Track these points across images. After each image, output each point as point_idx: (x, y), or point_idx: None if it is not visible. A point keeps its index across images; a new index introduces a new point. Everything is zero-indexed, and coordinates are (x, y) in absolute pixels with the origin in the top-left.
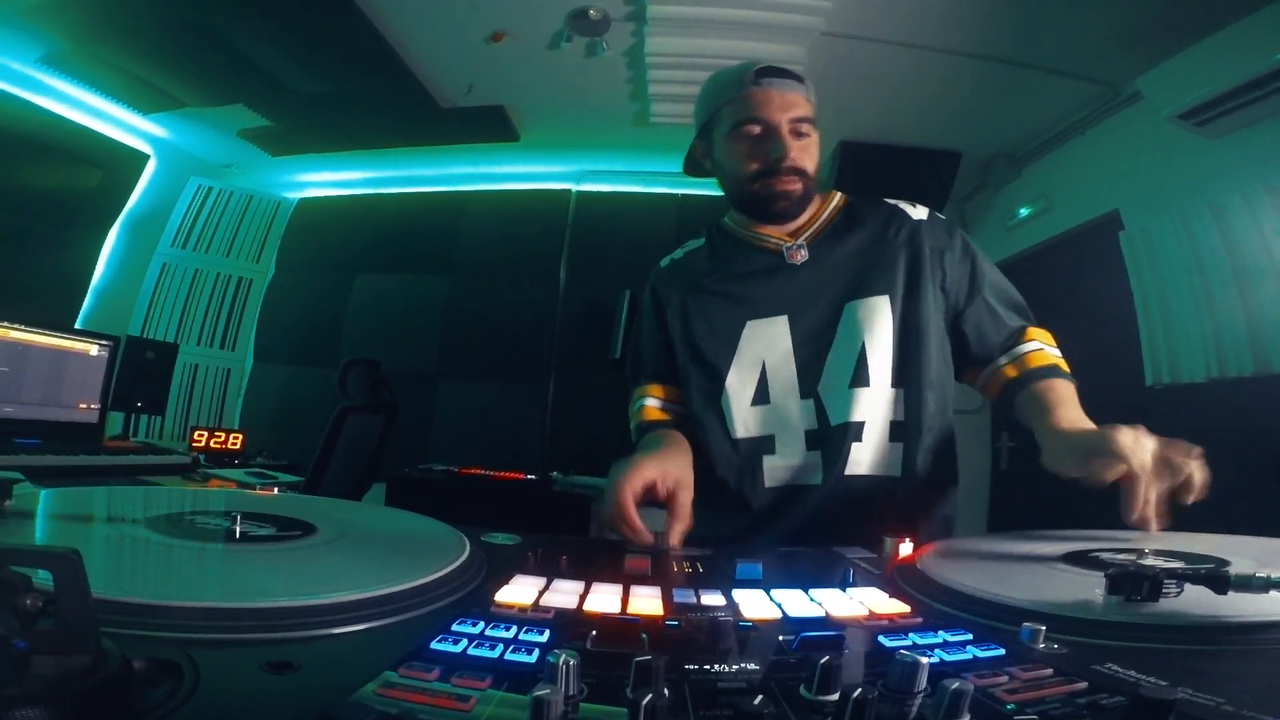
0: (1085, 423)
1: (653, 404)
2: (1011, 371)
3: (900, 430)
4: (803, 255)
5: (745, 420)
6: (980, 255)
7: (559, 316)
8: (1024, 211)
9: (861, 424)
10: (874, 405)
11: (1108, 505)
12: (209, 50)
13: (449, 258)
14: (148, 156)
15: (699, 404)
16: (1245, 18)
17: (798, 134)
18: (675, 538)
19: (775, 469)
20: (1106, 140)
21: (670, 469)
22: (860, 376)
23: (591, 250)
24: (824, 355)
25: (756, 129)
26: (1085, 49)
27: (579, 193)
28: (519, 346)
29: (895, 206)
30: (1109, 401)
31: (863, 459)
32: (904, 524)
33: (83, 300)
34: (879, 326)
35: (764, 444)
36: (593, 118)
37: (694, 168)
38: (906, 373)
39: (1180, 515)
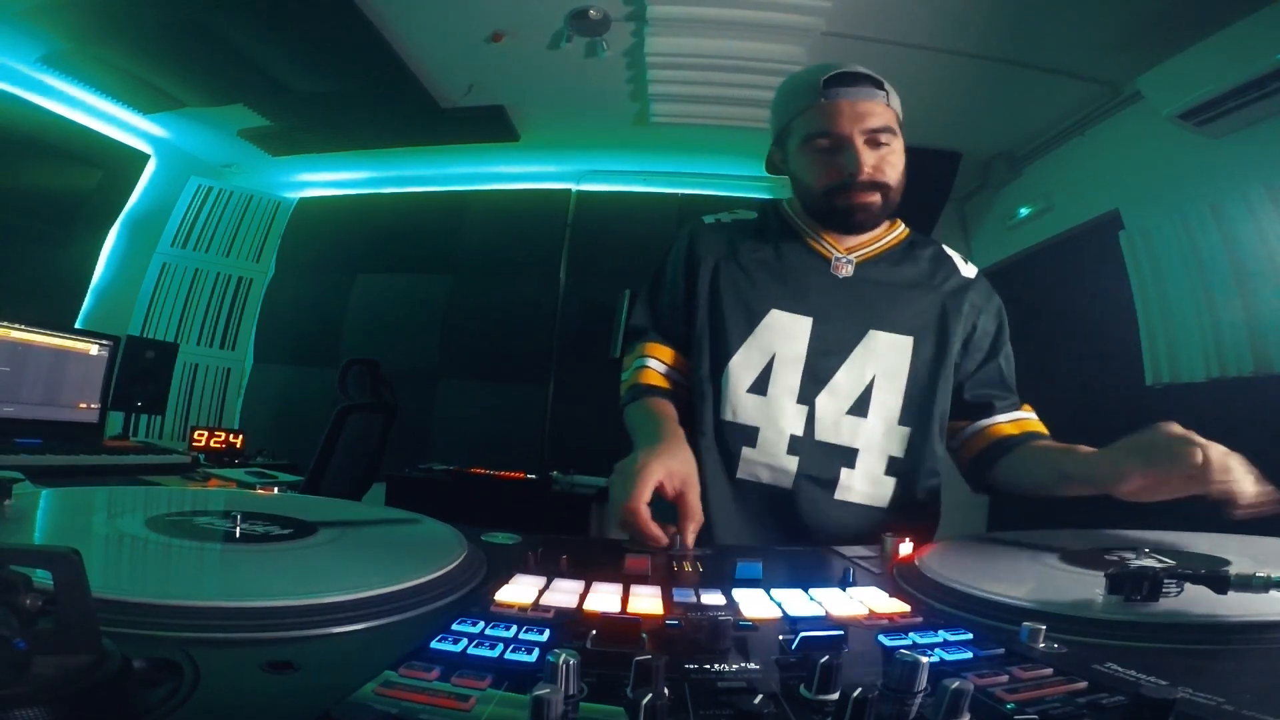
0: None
1: (654, 366)
2: (1009, 429)
3: (898, 466)
4: (847, 270)
5: (737, 405)
6: (1006, 326)
7: (559, 316)
8: (1024, 211)
9: (855, 451)
10: (872, 438)
11: (1108, 505)
12: (209, 50)
13: (449, 258)
14: (148, 156)
15: (701, 373)
16: (1245, 18)
17: (875, 144)
18: (690, 537)
19: (751, 463)
20: (1106, 140)
21: (675, 467)
22: (862, 405)
23: (591, 250)
24: (834, 371)
25: (827, 142)
26: (1085, 49)
27: (579, 193)
28: (519, 346)
29: (950, 257)
30: (1109, 401)
31: (855, 486)
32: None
33: (83, 300)
34: (895, 363)
35: (748, 435)
36: (593, 118)
37: (773, 169)
38: (917, 415)
39: (1181, 515)
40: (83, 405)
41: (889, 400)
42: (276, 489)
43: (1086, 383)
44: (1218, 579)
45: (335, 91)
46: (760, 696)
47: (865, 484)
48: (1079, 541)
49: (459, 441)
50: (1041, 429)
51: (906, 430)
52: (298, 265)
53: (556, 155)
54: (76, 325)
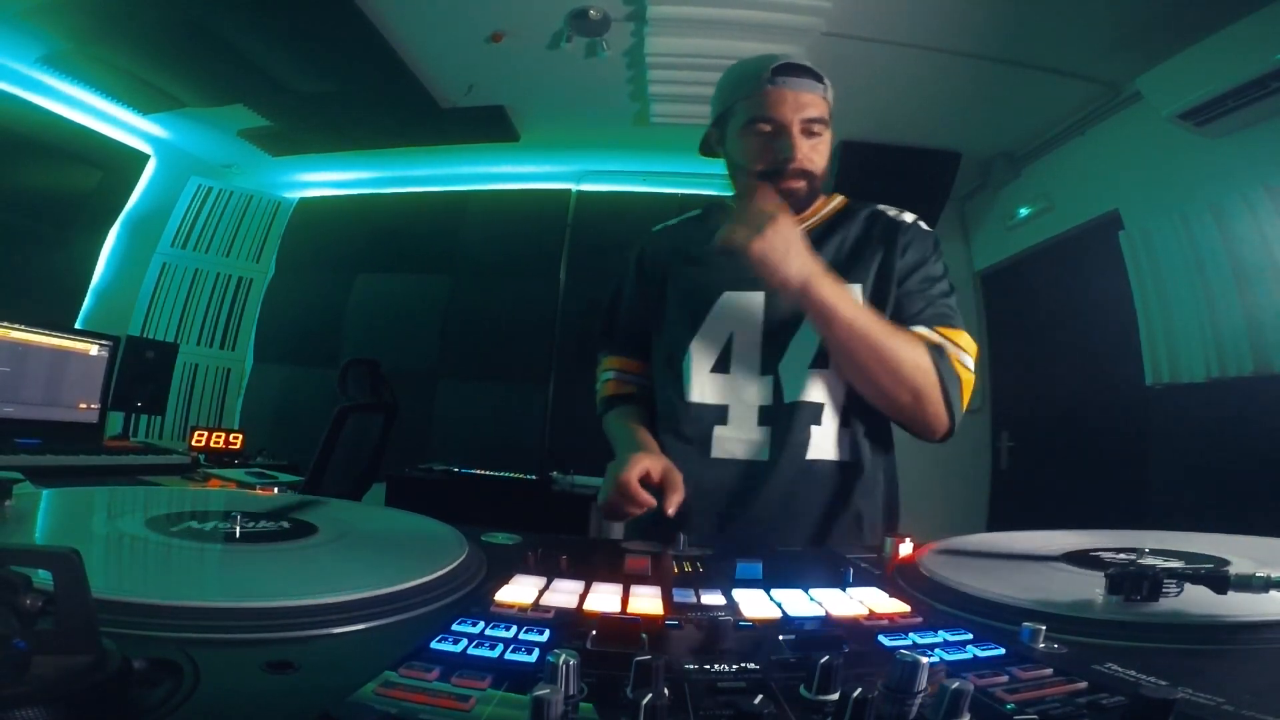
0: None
1: (615, 376)
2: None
3: (856, 413)
4: None
5: (702, 387)
6: (941, 258)
7: (559, 316)
8: (1024, 211)
9: (820, 406)
10: (834, 388)
11: (1107, 505)
12: (209, 50)
13: (449, 257)
14: (148, 156)
15: (661, 363)
16: (1245, 18)
17: (809, 134)
18: (672, 507)
19: (724, 440)
20: (1106, 140)
21: (654, 460)
22: (821, 358)
23: (592, 250)
24: (791, 337)
25: (768, 127)
26: (1085, 49)
27: (579, 193)
28: (519, 346)
29: (884, 210)
30: (1109, 401)
31: (824, 443)
32: (852, 506)
33: (83, 300)
34: None
35: (717, 413)
36: (593, 118)
37: (707, 150)
38: None
39: (1181, 515)
40: (83, 405)
41: None
42: (276, 489)
43: (1086, 383)
44: (1218, 579)
45: (335, 91)
46: (760, 696)
47: (830, 439)
48: (1079, 541)
49: (459, 441)
50: (929, 337)
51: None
52: (298, 265)
53: (556, 155)
54: (76, 325)
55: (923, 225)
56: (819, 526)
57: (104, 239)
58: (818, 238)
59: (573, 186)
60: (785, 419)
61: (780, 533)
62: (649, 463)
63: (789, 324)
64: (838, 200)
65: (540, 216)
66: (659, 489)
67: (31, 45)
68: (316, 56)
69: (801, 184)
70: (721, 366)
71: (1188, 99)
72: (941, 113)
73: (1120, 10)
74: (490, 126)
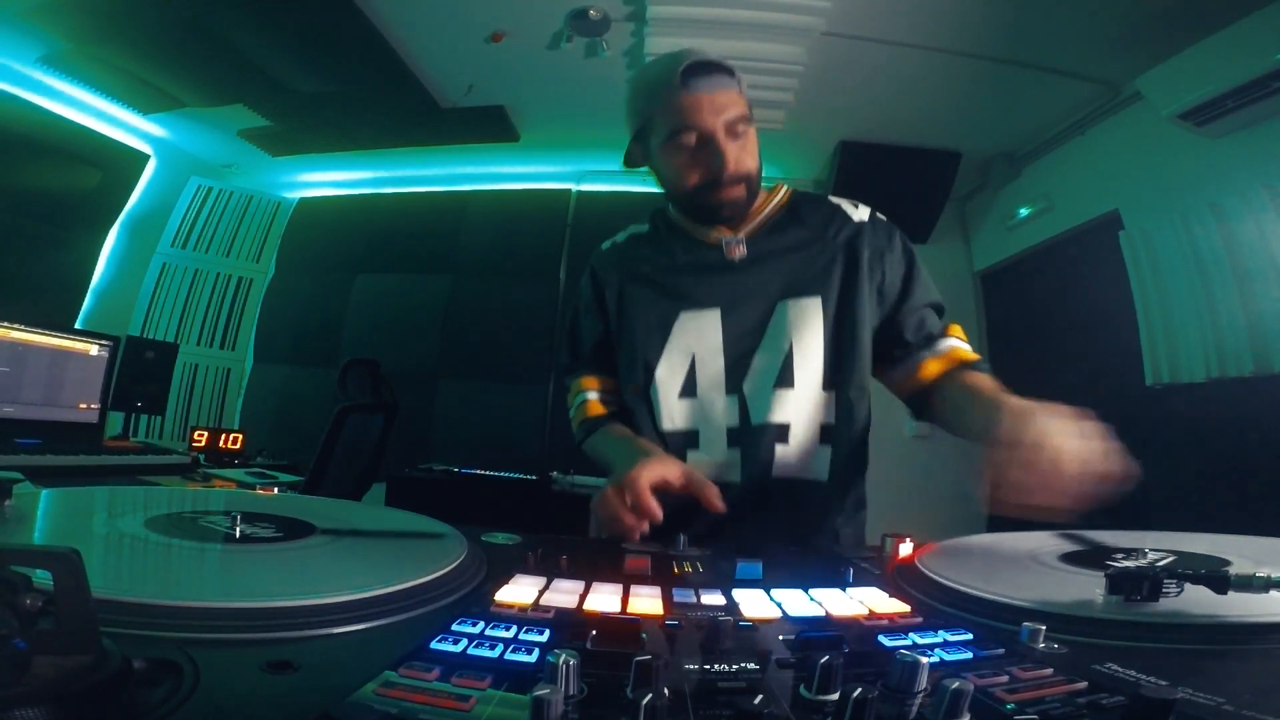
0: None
1: (594, 398)
2: (935, 368)
3: (830, 433)
4: (741, 251)
5: (672, 413)
6: (917, 258)
7: (559, 316)
8: (1024, 211)
9: (786, 426)
10: (800, 407)
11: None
12: (209, 50)
13: (449, 258)
14: (148, 156)
15: (629, 392)
16: (1245, 18)
17: (734, 135)
18: (717, 499)
19: (698, 465)
20: (1106, 140)
21: (669, 463)
22: (785, 377)
23: (592, 250)
24: (752, 352)
25: (693, 138)
26: (1085, 49)
27: (579, 193)
28: (519, 346)
29: (837, 206)
30: (1109, 401)
31: (790, 461)
32: (820, 523)
33: (83, 300)
34: (809, 328)
35: (689, 438)
36: (593, 118)
37: (631, 164)
38: (839, 376)
39: (1181, 515)
40: (83, 405)
41: (810, 366)
42: (276, 489)
43: (1086, 383)
44: (1218, 579)
45: (335, 91)
46: (760, 696)
47: (799, 458)
48: (1079, 541)
49: (459, 441)
50: (967, 356)
51: (831, 394)
52: (298, 265)
53: (556, 155)
54: (76, 325)
55: (881, 218)
56: (790, 545)
57: (104, 239)
58: (769, 237)
59: (573, 186)
60: (752, 439)
61: (754, 554)
62: (668, 468)
63: (748, 341)
64: (782, 194)
65: (540, 216)
66: (678, 500)
67: (31, 45)
68: (317, 56)
69: (739, 189)
70: (689, 390)
71: (1188, 99)
72: (941, 113)
73: (1120, 10)
74: (490, 126)
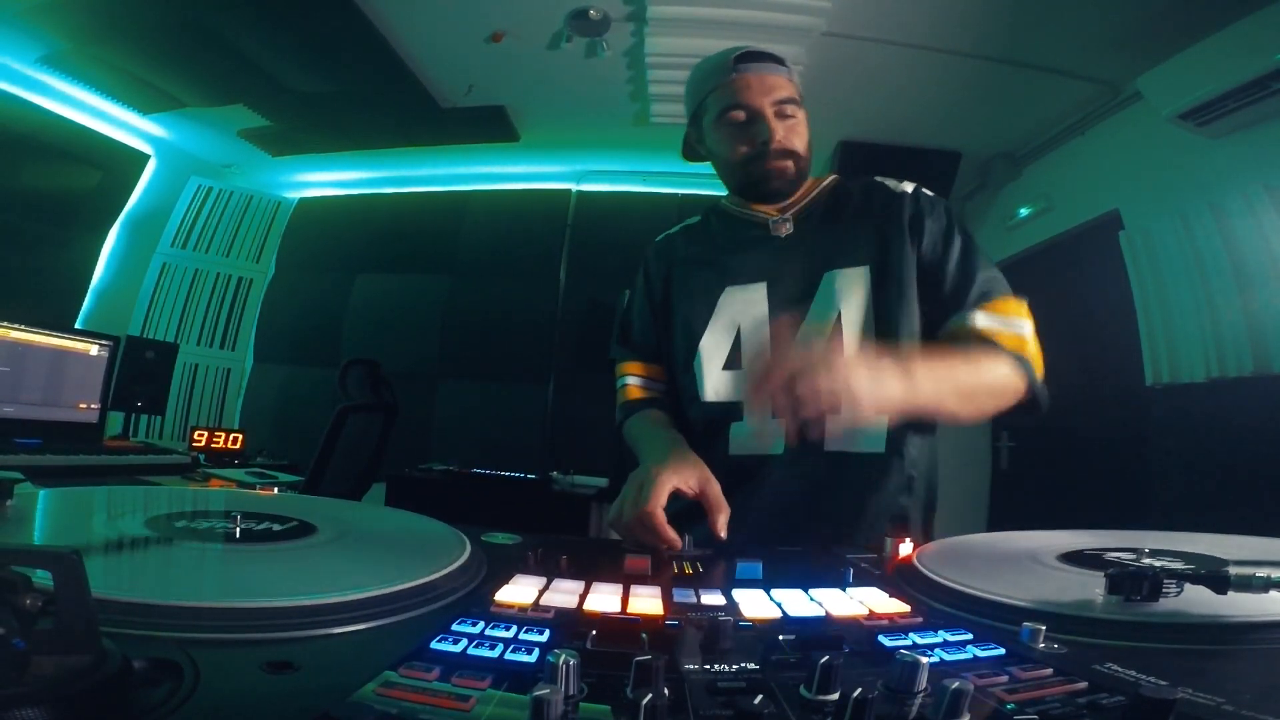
0: (920, 375)
1: (635, 382)
2: (954, 330)
3: None
4: (788, 228)
5: (716, 385)
6: (959, 224)
7: (559, 316)
8: (1024, 211)
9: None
10: None
11: (1107, 505)
12: (209, 50)
13: (449, 258)
14: (148, 156)
15: (677, 367)
16: (1245, 18)
17: (783, 115)
18: (722, 528)
19: (741, 436)
20: (1106, 140)
21: (688, 469)
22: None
23: (591, 250)
24: (798, 323)
25: (741, 114)
26: (1085, 49)
27: (579, 193)
28: (519, 346)
29: (881, 183)
30: (1109, 401)
31: (841, 433)
32: (886, 502)
33: (83, 300)
34: (856, 297)
35: (732, 410)
36: (593, 118)
37: (690, 153)
38: (885, 344)
39: (1181, 515)
40: (83, 405)
41: (857, 334)
42: (276, 489)
43: (1086, 383)
44: (1218, 579)
45: (335, 91)
46: (760, 697)
47: (850, 429)
48: (1079, 541)
49: (459, 441)
50: (980, 330)
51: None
52: (298, 265)
53: (556, 155)
54: (76, 325)
55: (926, 192)
56: (846, 519)
57: (104, 239)
58: (816, 216)
59: (573, 186)
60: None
61: (804, 528)
62: (678, 478)
63: (795, 311)
64: (830, 179)
65: (540, 216)
66: (691, 506)
67: (31, 45)
68: (316, 56)
69: (787, 163)
70: (733, 363)
71: (1188, 99)
72: (941, 113)
73: (1120, 10)
74: (490, 126)
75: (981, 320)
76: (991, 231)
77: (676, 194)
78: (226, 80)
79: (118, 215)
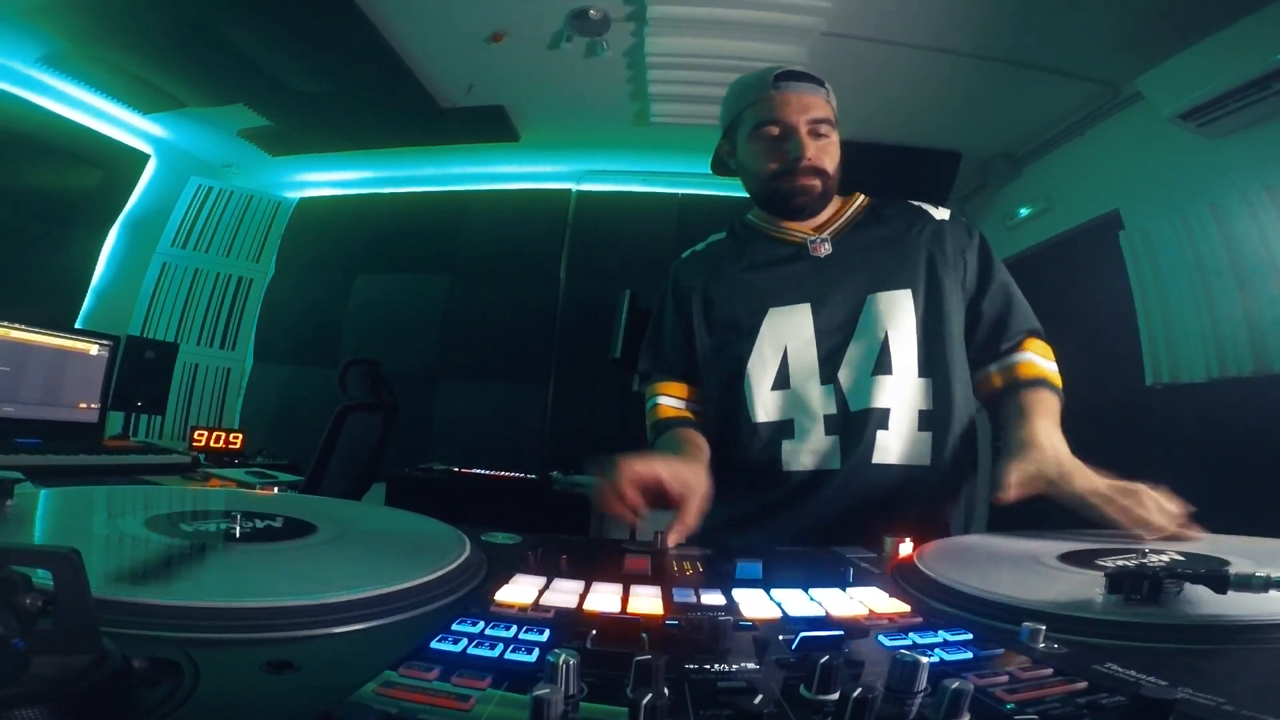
0: (1056, 436)
1: (667, 402)
2: (998, 380)
3: (929, 419)
4: (826, 248)
5: (765, 404)
6: (995, 256)
7: (559, 316)
8: (1024, 211)
9: (887, 410)
10: (900, 393)
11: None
12: (209, 50)
13: (449, 258)
14: (148, 156)
15: (720, 387)
16: (1245, 18)
17: (816, 134)
18: (674, 538)
19: (794, 453)
20: (1106, 140)
21: (683, 473)
22: (884, 364)
23: (591, 250)
24: (846, 344)
25: (775, 130)
26: (1085, 49)
27: (579, 193)
28: (519, 346)
29: (919, 207)
30: (1109, 401)
31: (891, 447)
32: (930, 512)
33: (83, 300)
34: (901, 318)
35: (784, 428)
36: (593, 118)
37: (720, 167)
38: (933, 363)
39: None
40: (83, 405)
41: (905, 354)
42: (276, 489)
43: (1086, 383)
44: (1218, 579)
45: (335, 91)
46: (760, 696)
47: (900, 443)
48: (1079, 541)
49: (459, 441)
50: (1031, 371)
51: (927, 381)
52: (298, 265)
53: (556, 155)
54: (76, 325)
55: (961, 219)
56: (894, 529)
57: (104, 239)
58: (853, 236)
59: (573, 186)
60: (852, 426)
61: (855, 541)
62: (666, 471)
63: (841, 333)
64: (861, 199)
65: (540, 216)
66: (667, 507)
67: (31, 45)
68: (317, 56)
69: (815, 181)
70: (781, 382)
71: (1188, 99)
72: (941, 113)
73: (1120, 10)
74: (490, 126)
75: (1038, 361)
76: (992, 231)
77: (676, 194)
78: (226, 80)
79: (118, 215)
